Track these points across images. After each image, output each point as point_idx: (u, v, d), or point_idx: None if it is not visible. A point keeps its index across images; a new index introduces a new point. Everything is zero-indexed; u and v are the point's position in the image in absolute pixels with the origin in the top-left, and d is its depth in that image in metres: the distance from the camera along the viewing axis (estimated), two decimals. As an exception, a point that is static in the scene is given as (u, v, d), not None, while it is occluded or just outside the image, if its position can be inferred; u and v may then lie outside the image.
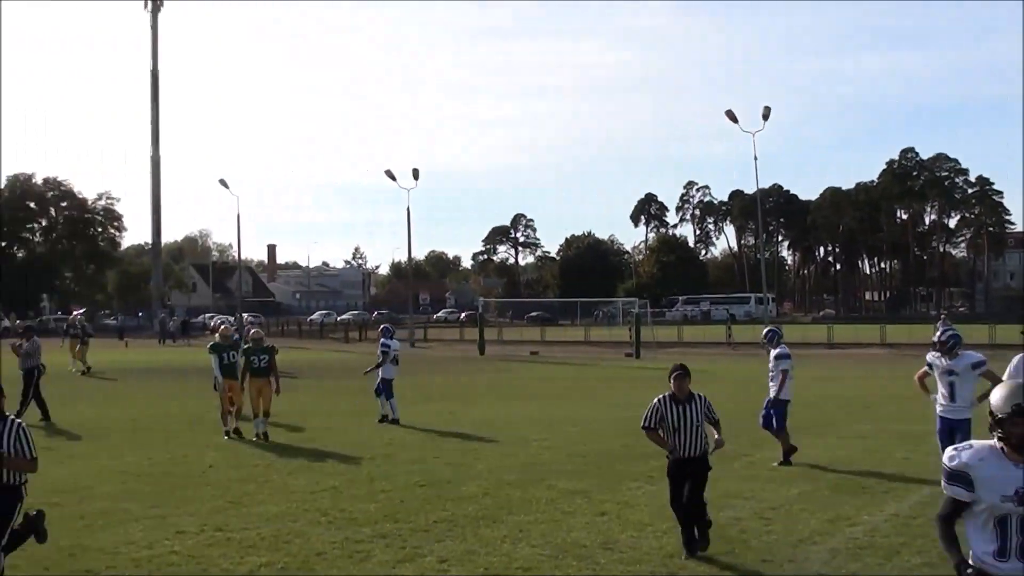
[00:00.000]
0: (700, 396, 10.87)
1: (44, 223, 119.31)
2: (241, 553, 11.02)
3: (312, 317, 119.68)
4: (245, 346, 20.75)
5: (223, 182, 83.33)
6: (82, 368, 39.23)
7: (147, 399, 28.73)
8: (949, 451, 5.75)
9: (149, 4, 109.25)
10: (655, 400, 10.85)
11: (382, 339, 23.91)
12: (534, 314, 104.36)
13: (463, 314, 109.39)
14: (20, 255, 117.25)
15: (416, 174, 68.22)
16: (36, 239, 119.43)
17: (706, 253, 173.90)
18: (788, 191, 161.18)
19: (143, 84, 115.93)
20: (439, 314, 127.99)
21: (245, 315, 79.87)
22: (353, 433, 20.97)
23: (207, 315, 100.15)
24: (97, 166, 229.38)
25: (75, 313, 49.70)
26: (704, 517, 10.83)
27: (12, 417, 9.09)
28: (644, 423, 10.87)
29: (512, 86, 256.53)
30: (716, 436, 10.92)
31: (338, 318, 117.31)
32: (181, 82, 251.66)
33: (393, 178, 69.04)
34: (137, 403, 27.83)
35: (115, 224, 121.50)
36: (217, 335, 22.01)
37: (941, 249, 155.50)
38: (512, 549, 11.08)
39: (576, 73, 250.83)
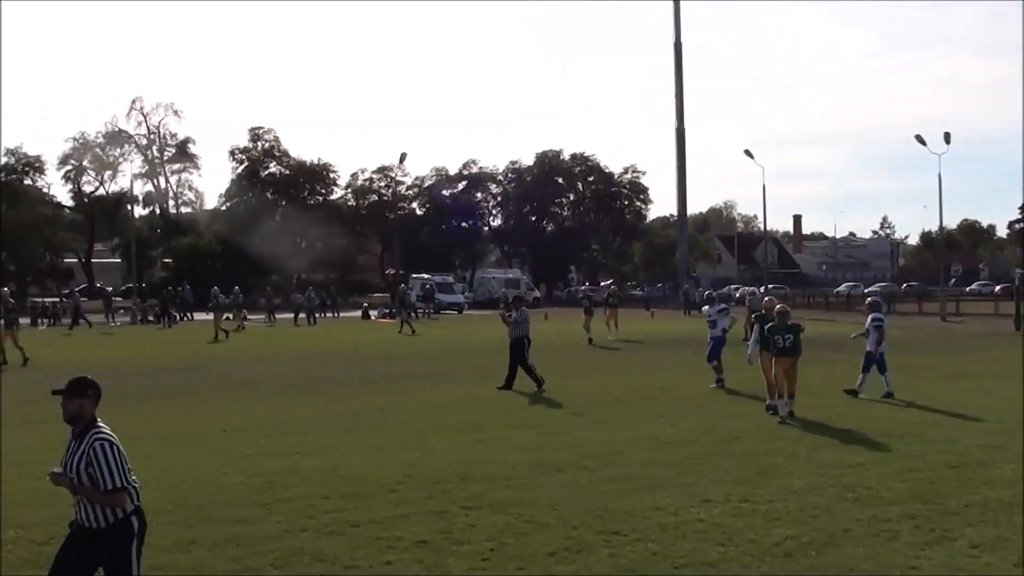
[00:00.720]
0: None
1: (572, 197, 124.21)
2: (767, 525, 11.00)
3: (838, 289, 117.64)
4: (769, 324, 20.20)
5: (748, 152, 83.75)
6: (614, 335, 40.67)
7: (672, 369, 29.29)
8: None
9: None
10: None
11: (873, 312, 23.05)
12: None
13: (998, 287, 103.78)
14: (549, 228, 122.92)
15: (948, 138, 65.48)
16: (564, 213, 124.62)
17: None
18: None
19: (667, 57, 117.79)
20: (972, 286, 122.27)
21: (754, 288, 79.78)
22: (880, 409, 20.34)
23: (732, 287, 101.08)
24: (623, 140, 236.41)
25: (602, 284, 51.93)
26: None
27: (97, 432, 7.17)
28: None
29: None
30: None
31: (865, 290, 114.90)
32: (704, 53, 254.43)
33: (923, 143, 66.70)
34: (662, 372, 28.46)
35: (641, 197, 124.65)
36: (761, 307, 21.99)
37: None
38: (1050, 538, 10.40)
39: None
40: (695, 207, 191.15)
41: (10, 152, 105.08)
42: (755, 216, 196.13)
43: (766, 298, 23.82)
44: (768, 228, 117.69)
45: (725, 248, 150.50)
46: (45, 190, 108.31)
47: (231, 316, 56.88)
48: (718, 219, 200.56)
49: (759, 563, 9.70)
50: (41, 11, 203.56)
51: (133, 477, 7.32)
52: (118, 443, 7.23)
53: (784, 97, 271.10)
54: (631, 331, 45.02)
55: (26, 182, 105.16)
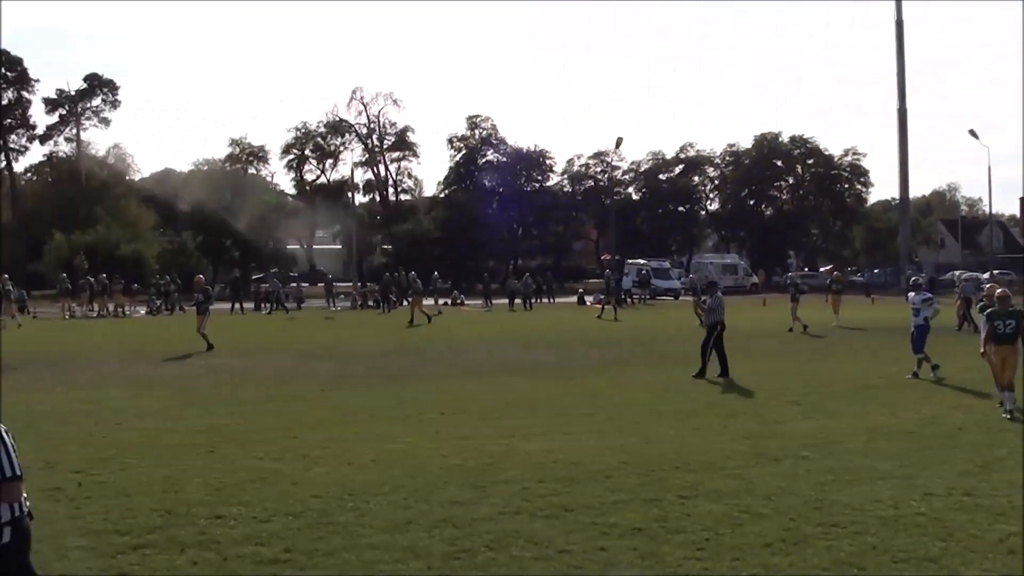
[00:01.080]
0: None
1: (791, 180, 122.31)
2: (990, 520, 10.72)
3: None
4: (989, 309, 19.42)
5: (973, 133, 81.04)
6: (801, 325, 39.00)
7: (893, 357, 28.40)
8: None
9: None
10: None
11: None
12: None
13: None
14: (768, 212, 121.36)
15: None
16: (783, 196, 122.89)
17: None
18: None
19: (888, 36, 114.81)
20: None
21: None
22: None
23: (955, 272, 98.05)
24: (843, 122, 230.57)
25: (821, 270, 50.97)
26: None
27: None
28: None
29: None
30: None
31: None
32: (927, 31, 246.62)
33: None
34: (883, 361, 27.75)
35: (861, 180, 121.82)
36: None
37: None
38: None
39: None
40: (917, 190, 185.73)
41: (234, 142, 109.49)
42: (980, 199, 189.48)
43: (988, 285, 22.84)
44: (993, 211, 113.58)
45: (948, 232, 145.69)
46: (268, 179, 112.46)
47: (446, 300, 58.09)
48: (941, 202, 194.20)
49: (981, 559, 9.47)
50: (265, 7, 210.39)
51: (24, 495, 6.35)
52: (9, 436, 6.26)
53: (1010, 75, 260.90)
54: (852, 318, 44.10)
55: (250, 171, 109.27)
